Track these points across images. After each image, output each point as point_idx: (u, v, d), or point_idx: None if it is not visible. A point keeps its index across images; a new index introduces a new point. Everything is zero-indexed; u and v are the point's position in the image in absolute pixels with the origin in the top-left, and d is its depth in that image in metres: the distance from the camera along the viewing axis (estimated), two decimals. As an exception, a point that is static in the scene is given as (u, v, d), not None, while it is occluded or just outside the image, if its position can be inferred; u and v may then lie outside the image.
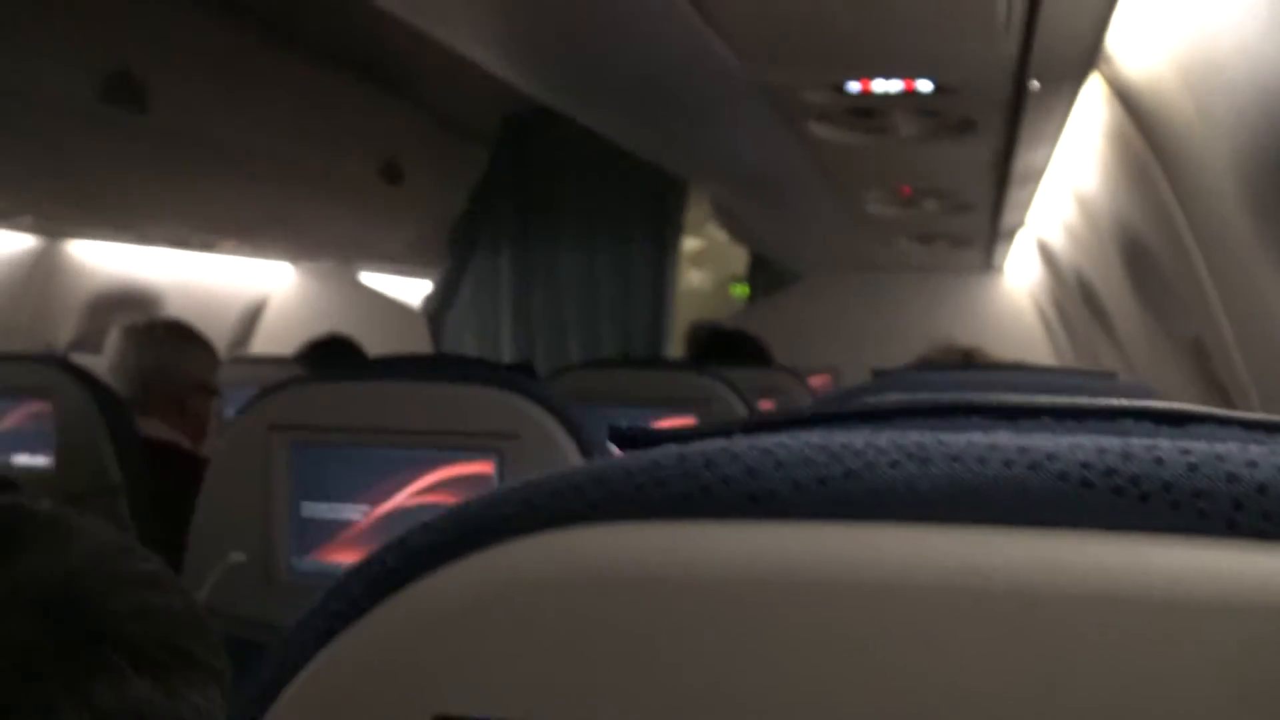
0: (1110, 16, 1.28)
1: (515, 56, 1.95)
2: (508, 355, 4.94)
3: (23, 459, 2.42)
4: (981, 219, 3.11)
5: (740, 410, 2.40)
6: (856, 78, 1.64)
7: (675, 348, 5.02)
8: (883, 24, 1.34)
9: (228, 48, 3.06)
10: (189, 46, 2.91)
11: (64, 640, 0.63)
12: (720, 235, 6.39)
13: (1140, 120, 1.48)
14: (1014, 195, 2.65)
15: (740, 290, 7.92)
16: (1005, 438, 0.34)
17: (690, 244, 6.81)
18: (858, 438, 0.35)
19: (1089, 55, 1.46)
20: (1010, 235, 3.69)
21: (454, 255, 5.01)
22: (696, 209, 5.21)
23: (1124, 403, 0.38)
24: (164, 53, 2.80)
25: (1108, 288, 2.74)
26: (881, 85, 1.67)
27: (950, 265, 4.79)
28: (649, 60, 1.65)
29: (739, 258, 7.11)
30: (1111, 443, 0.33)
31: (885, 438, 0.35)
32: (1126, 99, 1.48)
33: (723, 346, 3.56)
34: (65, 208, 3.37)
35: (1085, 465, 0.32)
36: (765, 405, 2.82)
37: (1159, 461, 0.32)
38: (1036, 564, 0.32)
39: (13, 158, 2.76)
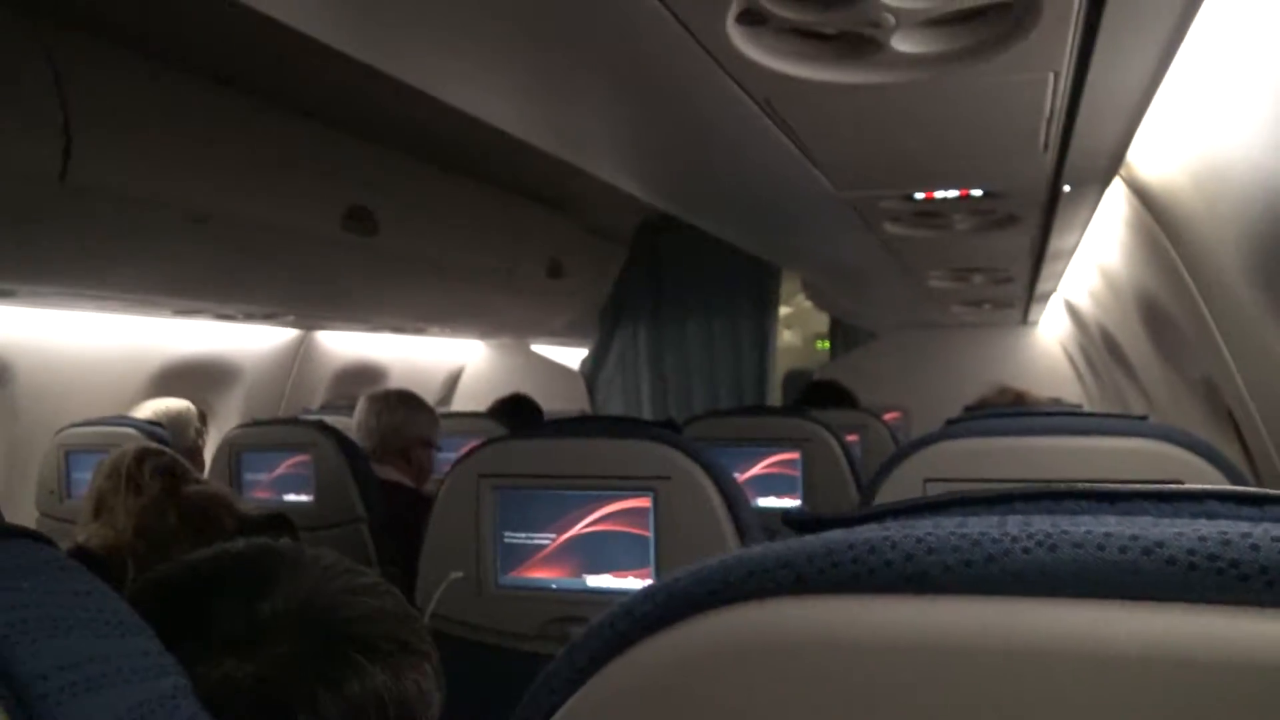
0: (1132, 136, 1.24)
1: (649, 181, 1.96)
2: (647, 406, 4.94)
3: (291, 496, 2.48)
4: (1020, 287, 3.03)
5: (834, 445, 2.36)
6: (923, 190, 1.61)
7: (774, 392, 4.99)
8: (946, 151, 1.32)
9: (433, 181, 3.14)
10: (406, 183, 3.00)
11: (315, 647, 0.64)
12: (806, 302, 6.34)
13: (1156, 213, 1.42)
14: (1047, 269, 2.58)
15: (823, 345, 7.89)
16: (1115, 524, 0.33)
17: (783, 310, 6.80)
18: (993, 525, 0.34)
19: (1113, 165, 1.42)
20: (1044, 298, 3.59)
21: (603, 330, 5.05)
22: (788, 283, 5.19)
23: (1210, 487, 0.36)
24: (388, 189, 2.88)
25: (1128, 338, 2.63)
26: (942, 193, 1.64)
27: (994, 322, 4.68)
28: (757, 184, 1.65)
29: (821, 320, 7.09)
30: (1209, 530, 0.31)
31: (1015, 525, 0.34)
32: (1144, 196, 1.43)
33: (817, 393, 3.52)
34: (316, 308, 3.47)
35: (1190, 552, 0.31)
36: (851, 438, 2.76)
37: (1255, 548, 0.30)
38: (1152, 635, 0.30)
39: (279, 274, 2.86)
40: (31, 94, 1.81)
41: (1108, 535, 0.32)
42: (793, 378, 6.54)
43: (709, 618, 0.36)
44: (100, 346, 3.08)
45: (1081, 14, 0.80)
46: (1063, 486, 0.38)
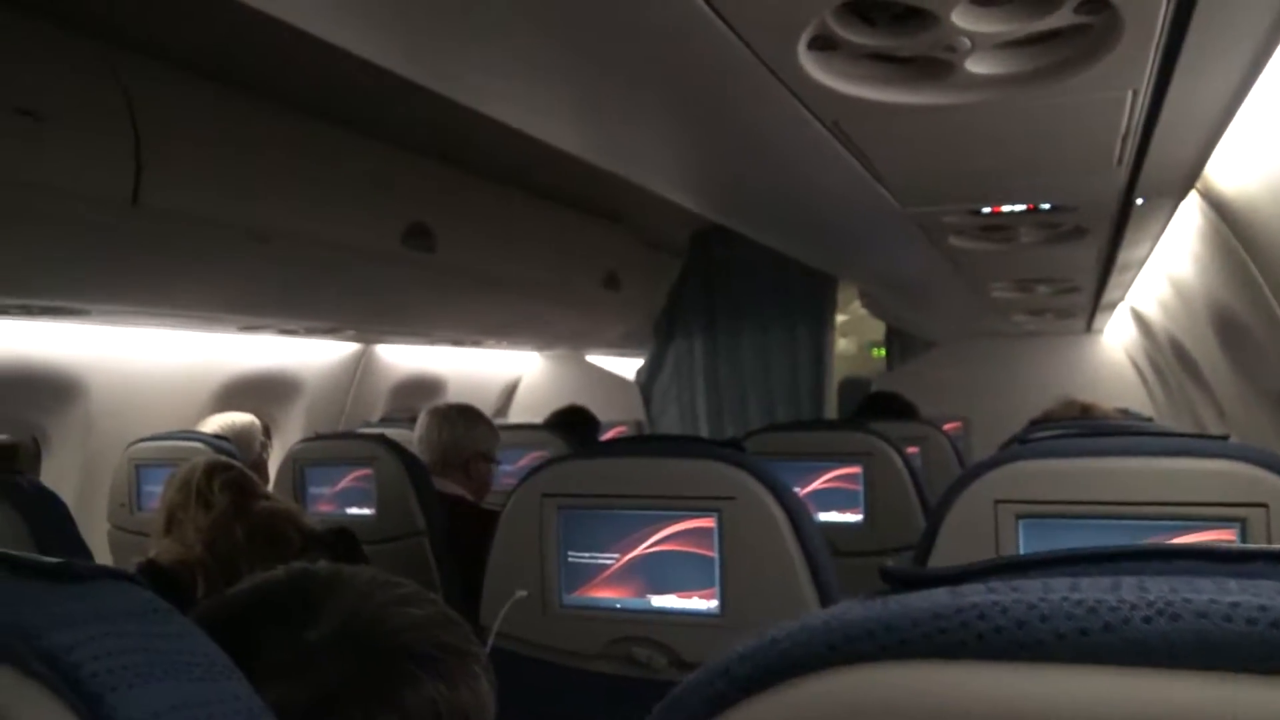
0: (1211, 150, 1.21)
1: (709, 198, 1.96)
2: (703, 417, 4.93)
3: (353, 510, 2.51)
4: (1085, 297, 2.97)
5: (895, 459, 2.33)
6: (990, 205, 1.58)
7: (831, 403, 4.95)
8: (1015, 168, 1.29)
9: (490, 196, 3.17)
10: (463, 198, 3.03)
11: (366, 664, 0.64)
12: (862, 310, 6.29)
13: (1233, 225, 1.38)
14: (1115, 279, 2.52)
15: (879, 353, 7.83)
16: (1239, 591, 0.31)
17: (838, 317, 6.75)
18: (1107, 590, 0.33)
19: (1189, 178, 1.38)
20: (1110, 307, 3.51)
21: (658, 341, 5.05)
22: (844, 290, 5.15)
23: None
24: (446, 205, 2.91)
25: (1199, 348, 2.57)
26: (1009, 207, 1.61)
27: (1056, 330, 4.58)
28: (820, 201, 1.63)
29: (876, 327, 7.05)
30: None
31: (1131, 589, 0.32)
32: (1221, 209, 1.39)
33: (876, 404, 3.48)
34: (376, 322, 3.52)
35: (1322, 625, 0.29)
36: (911, 450, 2.72)
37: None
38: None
39: (339, 290, 2.90)
40: (104, 119, 1.85)
41: (1234, 605, 0.30)
42: (848, 386, 6.48)
43: (810, 681, 0.35)
44: (168, 362, 3.15)
45: (1165, 32, 0.78)
46: (1172, 545, 0.37)
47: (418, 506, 2.36)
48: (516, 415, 5.27)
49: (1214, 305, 1.98)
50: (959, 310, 3.65)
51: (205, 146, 2.09)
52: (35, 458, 2.95)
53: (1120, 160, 1.23)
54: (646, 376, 5.11)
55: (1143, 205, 1.56)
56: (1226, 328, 1.99)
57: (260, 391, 3.59)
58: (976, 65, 0.86)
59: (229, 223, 2.17)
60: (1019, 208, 1.60)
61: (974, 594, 0.34)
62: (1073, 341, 4.80)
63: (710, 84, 0.95)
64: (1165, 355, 3.23)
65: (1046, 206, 1.59)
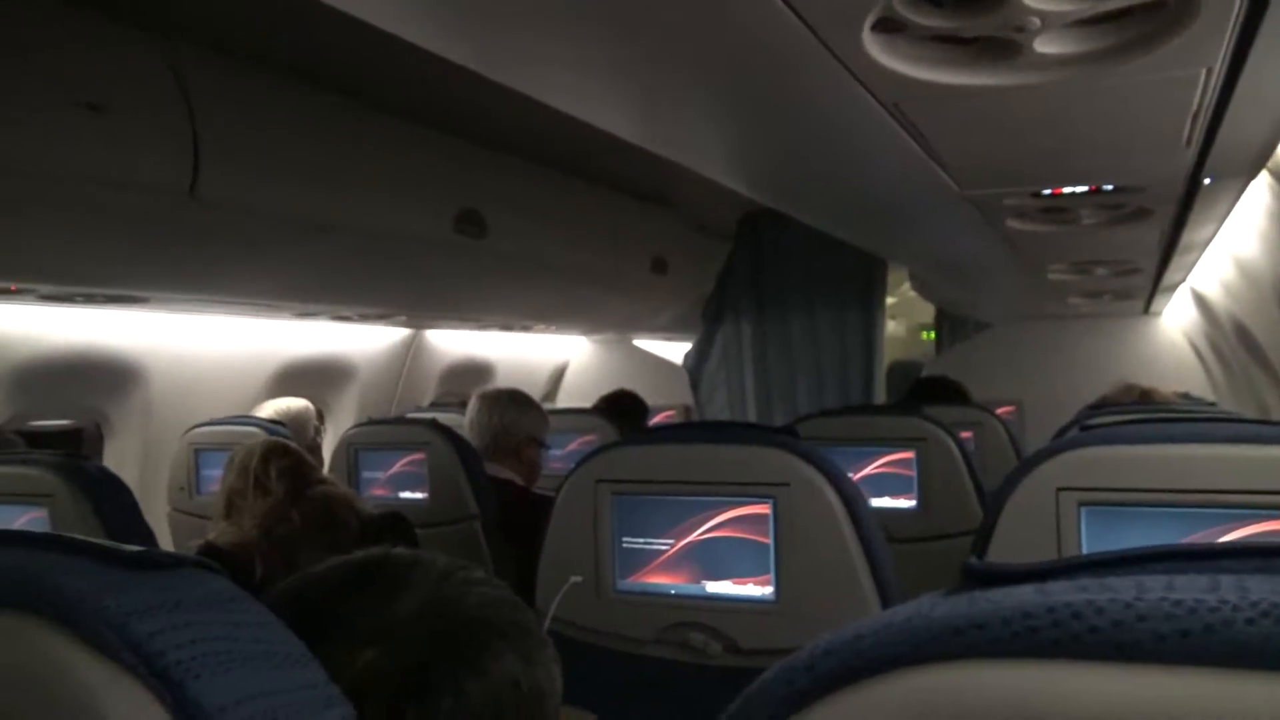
0: (1286, 128, 1.17)
1: (762, 182, 1.94)
2: (751, 401, 4.90)
3: (406, 494, 2.54)
4: (1145, 279, 2.90)
5: (950, 445, 2.31)
6: (1051, 187, 1.55)
7: (881, 387, 4.90)
8: (1079, 149, 1.26)
9: (539, 182, 3.17)
10: (513, 184, 3.04)
11: (452, 632, 0.66)
12: (911, 292, 6.22)
13: (1306, 204, 1.34)
14: (1177, 260, 2.46)
15: (928, 335, 7.76)
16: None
17: (888, 300, 6.70)
18: (1205, 590, 0.32)
19: (1261, 157, 1.34)
20: (1170, 289, 3.42)
21: (706, 325, 5.04)
22: (894, 273, 5.09)
23: None
24: (496, 191, 2.92)
25: (1265, 331, 2.50)
26: (1070, 189, 1.57)
27: (1113, 312, 4.48)
28: (877, 184, 1.61)
29: (926, 309, 6.98)
30: None
31: (1231, 589, 0.32)
32: (1293, 187, 1.35)
33: (926, 389, 3.45)
34: (427, 307, 3.55)
35: None
36: (965, 435, 2.68)
37: None
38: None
39: (392, 276, 2.93)
40: (163, 111, 1.88)
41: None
42: (897, 369, 6.42)
43: (894, 678, 0.34)
44: (224, 349, 3.21)
45: (1243, 9, 0.75)
46: (1273, 543, 0.36)
47: (470, 491, 2.38)
48: (564, 399, 5.29)
49: (1282, 286, 1.93)
50: (1013, 292, 3.59)
51: (261, 137, 2.11)
52: (98, 442, 3.02)
53: (1189, 140, 1.19)
54: (694, 361, 5.10)
55: (1210, 185, 1.52)
56: (1294, 309, 1.94)
57: (314, 377, 3.65)
58: (1045, 45, 0.84)
59: (284, 212, 2.20)
60: (1081, 189, 1.56)
61: (1065, 592, 0.34)
62: (1130, 324, 4.69)
63: (770, 69, 0.94)
64: (1228, 338, 3.15)
65: (1109, 188, 1.55)
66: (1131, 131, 1.16)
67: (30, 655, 0.45)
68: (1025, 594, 0.34)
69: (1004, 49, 0.86)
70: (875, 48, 0.84)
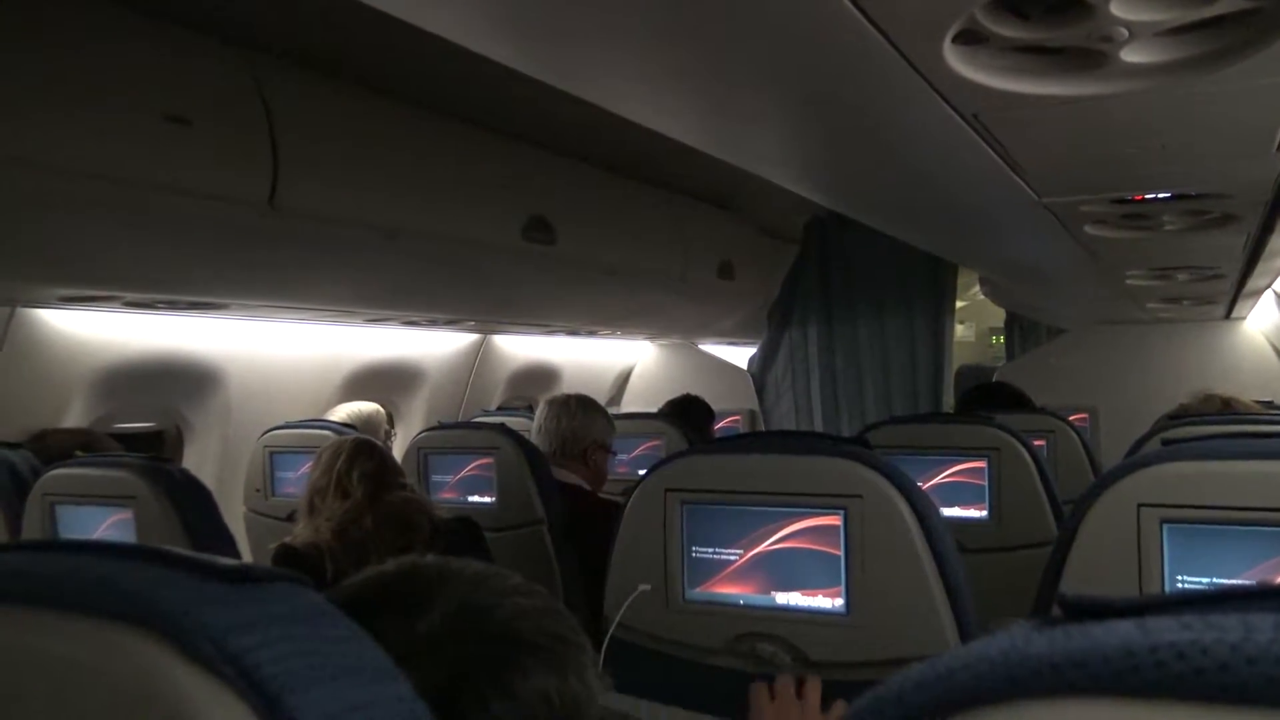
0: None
1: (834, 191, 1.93)
2: (818, 406, 4.87)
3: (474, 498, 2.56)
4: (1229, 284, 2.81)
5: (1024, 455, 2.26)
6: (1133, 194, 1.51)
7: (950, 393, 4.82)
8: (1164, 157, 1.23)
9: (606, 188, 3.19)
10: (581, 191, 3.05)
11: (478, 652, 0.65)
12: (980, 295, 6.12)
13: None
14: (1263, 265, 2.38)
15: (998, 340, 7.66)
16: None
17: (957, 304, 6.61)
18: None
19: (1355, 163, 1.29)
20: (1255, 294, 3.31)
21: (771, 329, 5.01)
22: (963, 276, 5.02)
23: None
24: (564, 197, 2.94)
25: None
26: (1153, 195, 1.53)
27: (1192, 317, 4.35)
28: (952, 193, 1.59)
29: (996, 313, 6.88)
30: None
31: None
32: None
33: (983, 396, 3.37)
34: (497, 314, 3.58)
35: None
36: (1038, 443, 2.63)
37: None
38: None
39: (462, 283, 2.96)
40: (244, 122, 1.93)
41: None
42: (966, 374, 6.32)
43: (987, 714, 0.34)
44: (299, 354, 3.28)
45: (1340, 15, 0.73)
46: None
47: (537, 495, 2.40)
48: (629, 404, 5.30)
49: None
50: (1088, 297, 3.50)
51: (338, 147, 2.15)
52: (178, 444, 3.10)
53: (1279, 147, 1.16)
54: (760, 365, 5.08)
55: (1300, 190, 1.47)
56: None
57: (384, 381, 3.71)
58: (1133, 55, 0.82)
59: (359, 221, 2.24)
60: (1164, 195, 1.52)
61: (1169, 631, 0.33)
62: (1210, 329, 4.55)
63: (847, 80, 0.93)
64: (1315, 344, 3.04)
65: (1193, 194, 1.50)
66: (1218, 139, 1.13)
67: (133, 667, 0.46)
68: (1127, 630, 0.33)
69: (1089, 59, 0.85)
70: (956, 59, 0.82)
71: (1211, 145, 1.16)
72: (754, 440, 1.56)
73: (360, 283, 2.66)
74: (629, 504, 1.56)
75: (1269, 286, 3.07)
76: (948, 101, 0.94)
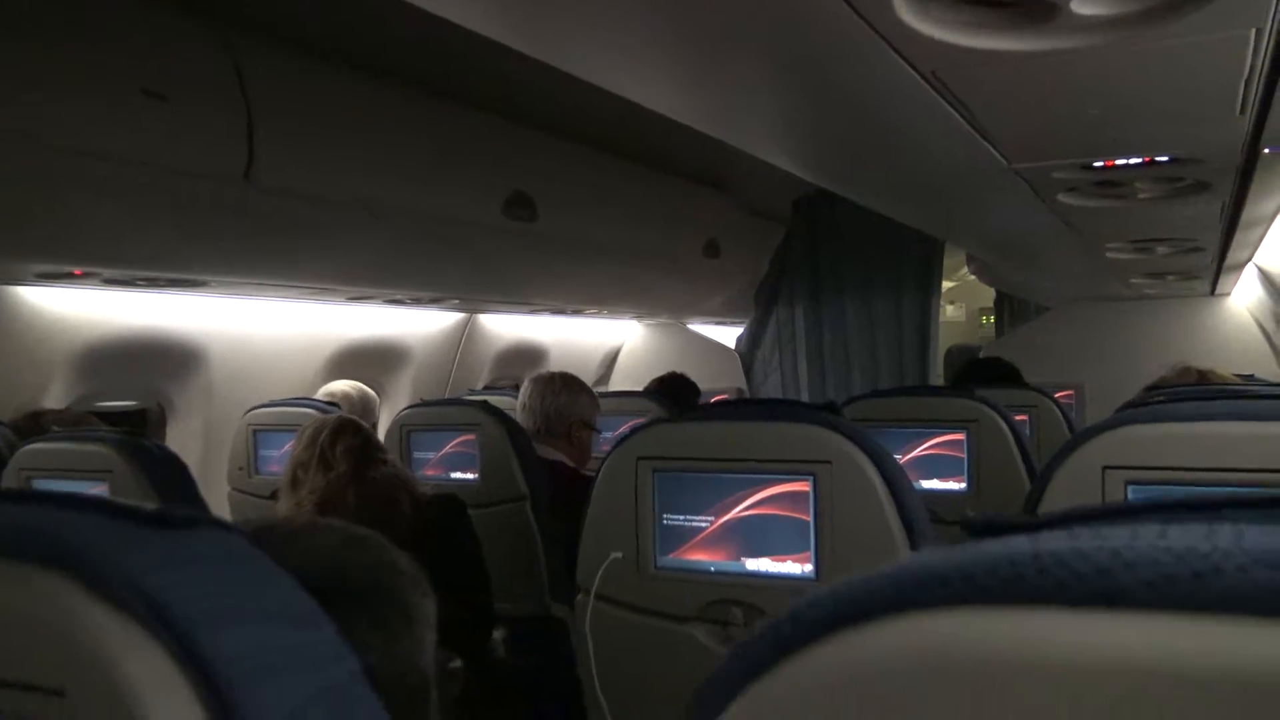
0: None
1: (809, 160, 1.92)
2: (805, 384, 4.87)
3: (457, 475, 2.56)
4: (1209, 257, 2.81)
5: (1002, 426, 2.27)
6: (1103, 159, 1.51)
7: (937, 370, 4.82)
8: (1129, 118, 1.23)
9: (589, 165, 3.17)
10: (563, 167, 3.04)
11: (348, 593, 0.66)
12: (971, 276, 6.13)
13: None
14: (1241, 237, 2.38)
15: (988, 320, 7.68)
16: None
17: (946, 284, 6.63)
18: (1200, 538, 0.31)
19: (1321, 124, 1.29)
20: (1237, 268, 3.31)
21: (759, 308, 5.01)
22: (953, 257, 5.01)
23: None
24: (546, 174, 2.93)
25: (1334, 311, 2.41)
26: (1123, 160, 1.53)
27: (1178, 293, 4.36)
28: (923, 159, 1.58)
29: (986, 294, 6.90)
30: None
31: (1227, 537, 0.30)
32: (1357, 156, 1.30)
33: (979, 370, 3.38)
34: (481, 292, 3.57)
35: None
36: (1020, 418, 2.63)
37: None
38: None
39: (444, 260, 2.95)
40: (219, 97, 1.92)
41: (1337, 554, 0.28)
42: (955, 353, 6.32)
43: (879, 626, 0.34)
44: (282, 332, 3.27)
45: (1289, -38, 0.72)
46: (1275, 494, 0.34)
47: (520, 472, 2.40)
48: (617, 384, 5.29)
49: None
50: (1072, 273, 3.50)
51: (316, 122, 2.14)
52: (161, 423, 3.09)
53: (1244, 107, 1.15)
54: (747, 344, 5.08)
55: (1270, 155, 1.46)
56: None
57: (369, 360, 3.70)
58: (1083, 6, 0.82)
59: (338, 197, 2.23)
60: (1134, 161, 1.51)
61: (1055, 541, 0.33)
62: (1196, 305, 4.56)
63: (809, 42, 0.93)
64: (1296, 318, 3.05)
65: (1164, 159, 1.50)
66: (1180, 98, 1.13)
67: (47, 605, 0.46)
68: (1016, 543, 0.33)
69: (1040, 11, 0.84)
70: (908, 13, 0.82)
71: (1173, 105, 1.16)
72: (723, 408, 1.56)
73: (340, 259, 2.65)
74: (600, 472, 1.56)
75: (1249, 260, 3.07)
76: (904, 58, 0.94)
